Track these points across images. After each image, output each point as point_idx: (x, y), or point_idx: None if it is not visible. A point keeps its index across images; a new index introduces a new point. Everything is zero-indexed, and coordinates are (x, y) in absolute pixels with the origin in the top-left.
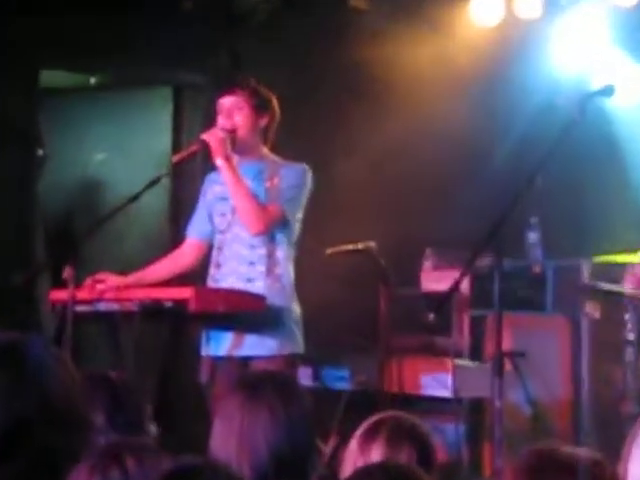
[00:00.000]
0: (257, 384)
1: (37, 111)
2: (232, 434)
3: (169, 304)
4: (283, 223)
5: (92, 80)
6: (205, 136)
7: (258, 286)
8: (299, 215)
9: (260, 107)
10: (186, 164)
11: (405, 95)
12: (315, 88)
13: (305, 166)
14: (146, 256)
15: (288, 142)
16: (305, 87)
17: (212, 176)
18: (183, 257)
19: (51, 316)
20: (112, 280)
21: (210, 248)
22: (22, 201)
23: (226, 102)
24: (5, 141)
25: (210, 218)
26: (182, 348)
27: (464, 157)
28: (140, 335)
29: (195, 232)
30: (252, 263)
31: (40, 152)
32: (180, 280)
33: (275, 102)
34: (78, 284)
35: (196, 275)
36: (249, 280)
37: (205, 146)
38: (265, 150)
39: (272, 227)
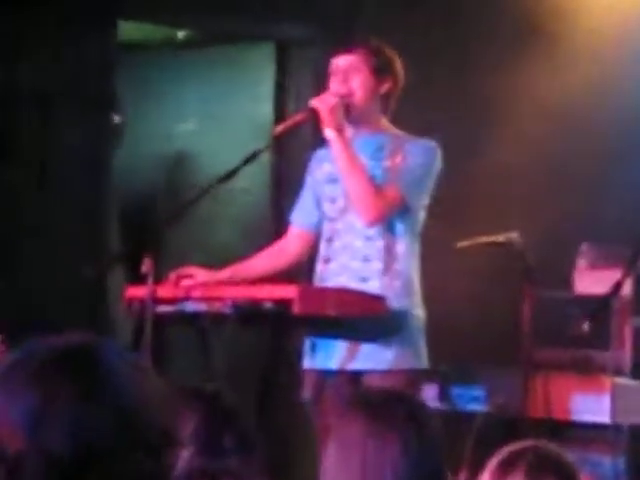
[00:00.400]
0: (382, 406)
1: (114, 69)
2: (353, 463)
3: (268, 305)
4: (404, 210)
5: (179, 35)
6: (315, 102)
7: (373, 286)
8: (424, 201)
9: (381, 70)
10: (291, 136)
11: (571, 52)
12: (455, 46)
13: (433, 143)
14: (241, 247)
15: (414, 113)
16: (441, 45)
17: (321, 153)
18: (286, 250)
19: (127, 317)
20: (201, 275)
21: (318, 239)
22: (95, 178)
23: (341, 62)
24: (74, 105)
25: (318, 203)
26: (283, 358)
27: (631, 132)
28: (234, 341)
29: (301, 220)
30: (367, 258)
31: (117, 119)
32: (282, 277)
33: (399, 64)
34: (160, 279)
35: (301, 271)
36: (363, 279)
37: (314, 115)
38: (385, 122)
39: (390, 215)
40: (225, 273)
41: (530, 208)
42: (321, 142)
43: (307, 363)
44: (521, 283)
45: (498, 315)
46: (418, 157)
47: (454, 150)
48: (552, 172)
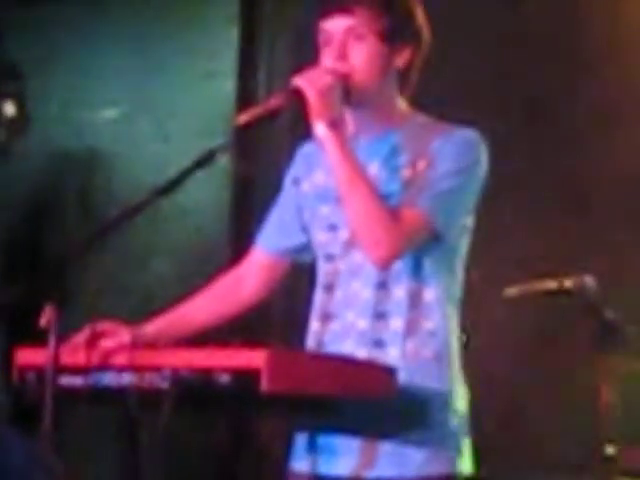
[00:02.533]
0: None
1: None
2: None
3: (224, 378)
4: (434, 240)
5: None
6: (300, 81)
7: (392, 354)
8: (464, 222)
9: (396, 33)
10: (262, 130)
11: None
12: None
13: (474, 134)
14: (188, 290)
15: (444, 95)
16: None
17: (311, 149)
18: (242, 284)
19: (10, 391)
20: (124, 334)
21: (288, 272)
22: None
23: (336, 27)
24: None
25: (305, 227)
26: (248, 456)
27: None
28: (173, 431)
29: (271, 241)
30: (381, 315)
31: (9, 110)
32: (248, 333)
33: (422, 22)
34: (66, 338)
35: (278, 325)
36: (377, 343)
37: (297, 99)
38: (402, 106)
39: (409, 249)
40: (154, 325)
41: (615, 243)
42: (305, 138)
43: (301, 466)
44: (597, 351)
45: (564, 398)
46: (451, 158)
47: (498, 153)
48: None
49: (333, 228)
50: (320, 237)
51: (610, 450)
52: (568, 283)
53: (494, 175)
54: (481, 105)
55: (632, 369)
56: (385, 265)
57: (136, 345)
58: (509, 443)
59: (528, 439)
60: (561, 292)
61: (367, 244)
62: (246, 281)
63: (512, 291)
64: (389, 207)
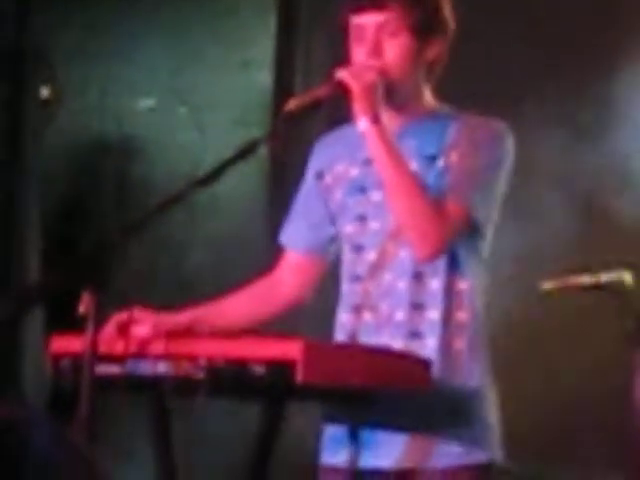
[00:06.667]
0: None
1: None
2: None
3: (259, 369)
4: (471, 232)
5: None
6: (344, 75)
7: (429, 345)
8: (495, 215)
9: (427, 26)
10: (303, 120)
11: None
12: None
13: (502, 125)
14: (225, 280)
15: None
16: None
17: (329, 143)
18: (279, 288)
19: (46, 379)
20: (161, 322)
21: (326, 268)
22: (5, 175)
23: (368, 22)
24: None
25: (332, 220)
26: (284, 448)
27: None
28: (207, 420)
29: (302, 240)
30: (418, 305)
31: (44, 93)
32: (277, 324)
33: (448, 13)
34: (103, 325)
35: (309, 316)
36: (413, 335)
37: (340, 92)
38: (429, 98)
39: (453, 242)
40: (186, 315)
41: None
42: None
43: (337, 461)
44: (633, 346)
45: (598, 393)
46: (483, 150)
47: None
48: None
49: (361, 219)
50: (348, 229)
51: None
52: (604, 278)
53: None
54: None
55: None
56: (430, 260)
57: (172, 333)
58: (540, 439)
59: (560, 435)
60: (596, 287)
61: (414, 239)
62: (283, 284)
63: (548, 285)
64: (434, 201)
